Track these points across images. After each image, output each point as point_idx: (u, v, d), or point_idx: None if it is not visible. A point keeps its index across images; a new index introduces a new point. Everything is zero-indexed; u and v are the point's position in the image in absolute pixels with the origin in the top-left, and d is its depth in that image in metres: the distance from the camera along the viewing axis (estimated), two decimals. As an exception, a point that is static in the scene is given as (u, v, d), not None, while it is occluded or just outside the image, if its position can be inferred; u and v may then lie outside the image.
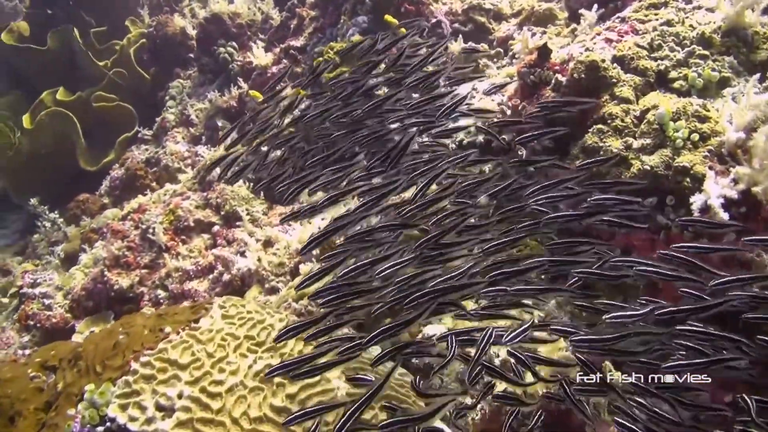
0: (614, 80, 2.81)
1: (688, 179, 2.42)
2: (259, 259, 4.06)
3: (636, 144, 2.61)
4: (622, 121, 2.70)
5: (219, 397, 2.16)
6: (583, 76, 2.85)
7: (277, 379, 2.27)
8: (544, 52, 3.12)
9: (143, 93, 7.38)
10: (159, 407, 2.12)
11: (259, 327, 2.51)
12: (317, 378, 2.37)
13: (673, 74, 2.81)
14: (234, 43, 6.69)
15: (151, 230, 4.58)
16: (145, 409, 2.12)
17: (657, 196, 2.42)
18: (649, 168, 2.51)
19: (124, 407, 2.15)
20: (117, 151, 6.90)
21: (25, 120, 6.74)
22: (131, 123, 7.03)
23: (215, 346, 2.34)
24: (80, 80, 7.38)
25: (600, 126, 2.74)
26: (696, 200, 2.34)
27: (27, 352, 4.29)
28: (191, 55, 7.22)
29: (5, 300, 5.45)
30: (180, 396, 2.14)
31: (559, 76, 3.00)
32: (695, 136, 2.50)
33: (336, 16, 5.76)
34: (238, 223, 4.52)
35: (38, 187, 6.94)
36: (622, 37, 3.05)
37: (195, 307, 2.68)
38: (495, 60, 4.53)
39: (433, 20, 5.12)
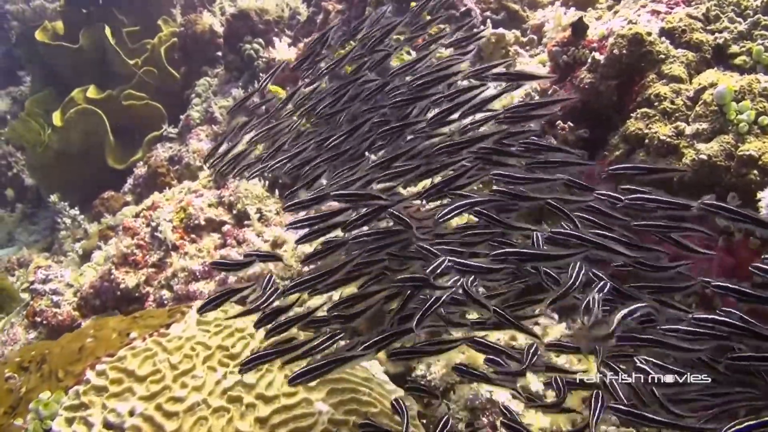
0: (662, 56, 2.36)
1: (755, 171, 1.95)
2: (265, 261, 3.78)
3: (689, 129, 2.16)
4: (672, 103, 2.25)
5: (176, 416, 1.85)
6: (624, 52, 2.41)
7: (247, 399, 1.95)
8: (579, 28, 2.70)
9: (173, 92, 7.33)
10: (107, 425, 1.83)
11: (236, 336, 2.20)
12: (297, 399, 2.04)
13: (734, 48, 2.34)
14: (260, 40, 6.53)
15: (160, 228, 4.39)
16: (91, 426, 1.83)
17: (715, 192, 1.97)
18: (705, 158, 2.05)
19: (70, 421, 1.88)
20: (144, 149, 6.85)
21: (56, 117, 6.78)
22: (160, 122, 6.98)
23: (181, 356, 2.05)
24: (112, 79, 7.42)
25: (645, 109, 2.30)
26: (765, 196, 1.87)
27: (31, 350, 4.16)
28: (219, 53, 7.12)
29: (25, 296, 5.42)
30: (131, 413, 1.85)
31: (596, 54, 2.57)
32: (764, 119, 2.02)
33: (362, 8, 5.50)
34: (246, 222, 4.27)
35: (68, 185, 6.97)
36: (672, 8, 2.60)
37: (172, 310, 2.41)
38: (527, 48, 4.10)
39: (463, 8, 4.76)
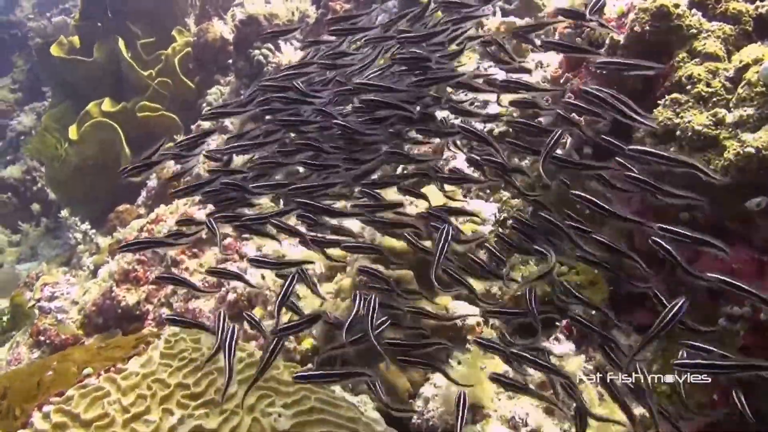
0: (693, 31, 1.98)
1: (818, 166, 1.57)
2: (263, 277, 3.54)
3: (731, 117, 1.78)
4: (708, 85, 1.87)
5: (118, 471, 1.60)
6: (648, 28, 2.05)
7: (204, 447, 1.68)
8: (595, 5, 2.34)
9: (188, 101, 7.25)
10: (42, 480, 1.60)
11: (202, 371, 1.94)
12: (265, 444, 1.76)
13: (783, 17, 1.95)
14: (270, 45, 6.36)
15: (160, 243, 4.21)
16: (25, 482, 1.61)
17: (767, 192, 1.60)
18: (752, 150, 1.67)
19: (6, 475, 1.66)
20: (160, 161, 6.76)
21: (71, 131, 6.77)
22: (176, 132, 6.89)
23: (135, 396, 1.80)
24: (127, 91, 7.39)
25: (675, 95, 1.92)
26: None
27: (33, 371, 4.04)
28: (231, 61, 6.99)
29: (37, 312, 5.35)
30: (69, 466, 1.61)
31: (614, 34, 2.21)
32: (828, 101, 1.63)
33: (369, 6, 5.28)
34: (246, 236, 4.04)
35: (87, 198, 6.96)
36: (706, -24, 2.21)
37: (139, 339, 2.17)
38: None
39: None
